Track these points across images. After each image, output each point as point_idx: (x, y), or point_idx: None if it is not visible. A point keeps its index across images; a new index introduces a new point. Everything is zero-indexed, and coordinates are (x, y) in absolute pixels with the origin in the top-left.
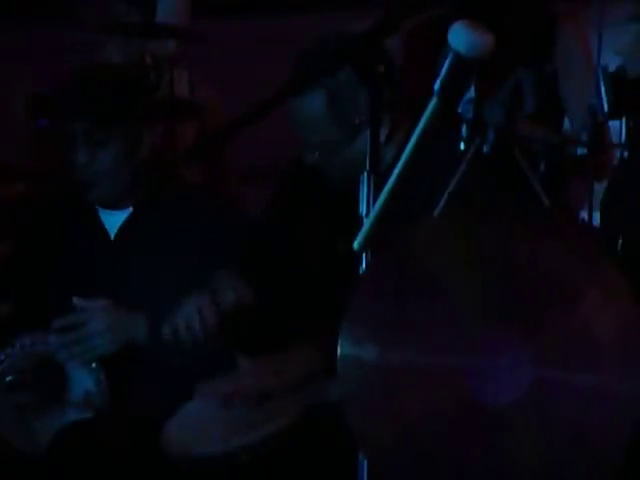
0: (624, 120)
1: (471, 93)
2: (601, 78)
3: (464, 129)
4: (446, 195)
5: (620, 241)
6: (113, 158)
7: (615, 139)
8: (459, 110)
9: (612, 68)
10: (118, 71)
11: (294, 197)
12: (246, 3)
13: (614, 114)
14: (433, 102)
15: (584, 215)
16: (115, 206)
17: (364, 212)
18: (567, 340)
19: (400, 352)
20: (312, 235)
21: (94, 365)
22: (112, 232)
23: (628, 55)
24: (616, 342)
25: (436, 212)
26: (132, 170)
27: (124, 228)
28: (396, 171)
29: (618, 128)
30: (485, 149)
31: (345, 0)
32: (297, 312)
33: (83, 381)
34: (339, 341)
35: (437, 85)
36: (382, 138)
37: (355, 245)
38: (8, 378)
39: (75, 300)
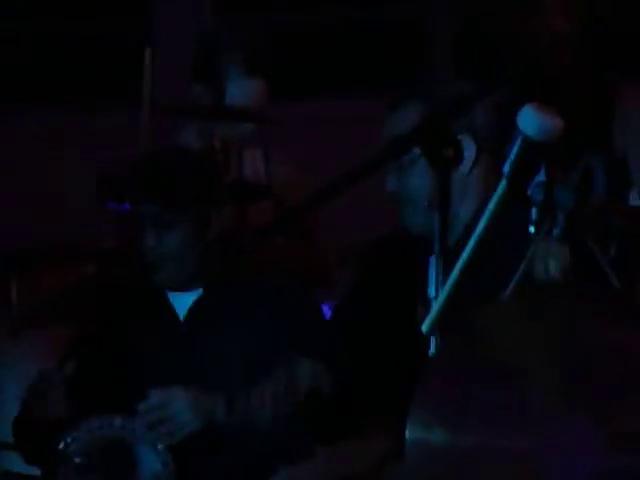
0: None
1: (541, 176)
2: None
3: (534, 212)
4: (516, 278)
5: None
6: (180, 241)
7: None
8: (528, 193)
9: None
10: (187, 155)
11: (378, 273)
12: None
13: None
14: (502, 185)
15: None
16: (183, 288)
17: (433, 294)
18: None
19: (468, 437)
20: (395, 312)
21: (161, 447)
22: (181, 314)
23: None
24: None
25: (505, 295)
26: (199, 253)
27: (193, 310)
28: (465, 253)
29: None
30: (555, 232)
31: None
32: (375, 394)
33: (151, 463)
34: (407, 425)
35: (506, 168)
36: None
37: (424, 328)
38: (77, 460)
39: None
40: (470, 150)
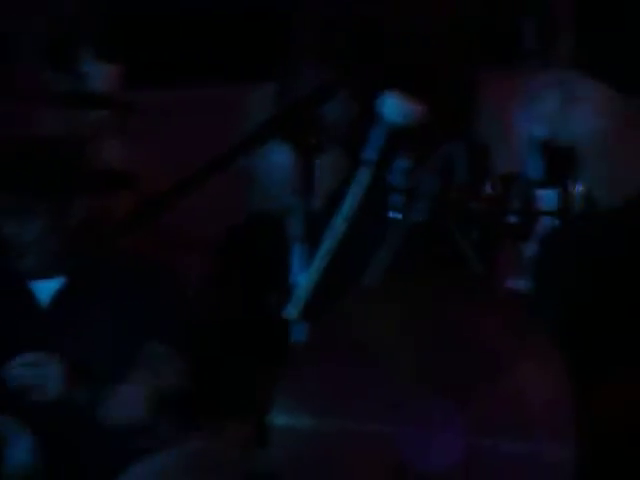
0: (556, 188)
1: (403, 162)
2: (532, 147)
3: (396, 198)
4: (378, 264)
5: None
6: (40, 229)
7: (545, 206)
8: (390, 179)
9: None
10: (44, 143)
11: (233, 259)
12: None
13: (546, 182)
14: (363, 171)
15: (513, 282)
16: (46, 276)
17: (296, 280)
18: (499, 408)
19: (333, 422)
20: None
21: (28, 435)
22: (44, 302)
23: (553, 122)
24: (547, 411)
25: (369, 281)
26: (60, 240)
27: (56, 297)
28: (328, 240)
29: (548, 196)
30: (418, 218)
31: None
32: (231, 381)
33: (19, 454)
34: (273, 411)
35: (368, 154)
36: None
37: (287, 314)
38: None
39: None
40: None
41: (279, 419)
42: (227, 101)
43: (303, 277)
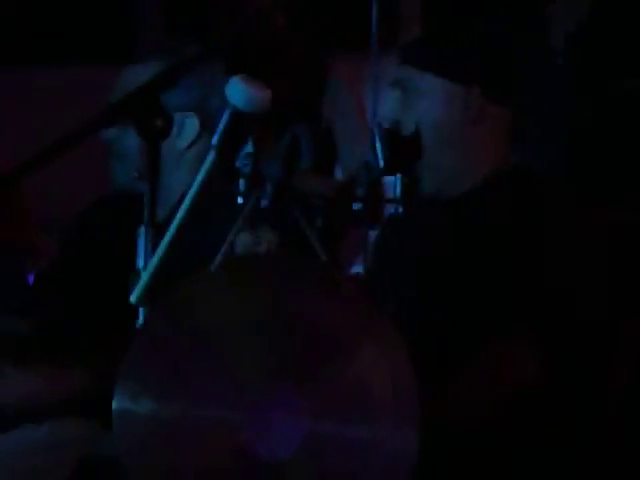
0: (399, 176)
1: (249, 147)
2: (376, 134)
3: (242, 183)
4: (223, 249)
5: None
6: None
7: (389, 194)
8: (237, 164)
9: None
10: None
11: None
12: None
13: (389, 170)
14: (210, 156)
15: (358, 268)
16: None
17: (141, 265)
18: (341, 394)
19: (175, 406)
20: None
21: None
22: None
23: (394, 117)
24: (390, 396)
25: (212, 267)
26: None
27: None
28: (174, 225)
29: (392, 183)
30: (263, 203)
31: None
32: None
33: None
34: (115, 395)
35: (215, 139)
36: None
37: (132, 299)
38: None
39: None
40: (192, 128)
41: (120, 403)
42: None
43: (148, 262)
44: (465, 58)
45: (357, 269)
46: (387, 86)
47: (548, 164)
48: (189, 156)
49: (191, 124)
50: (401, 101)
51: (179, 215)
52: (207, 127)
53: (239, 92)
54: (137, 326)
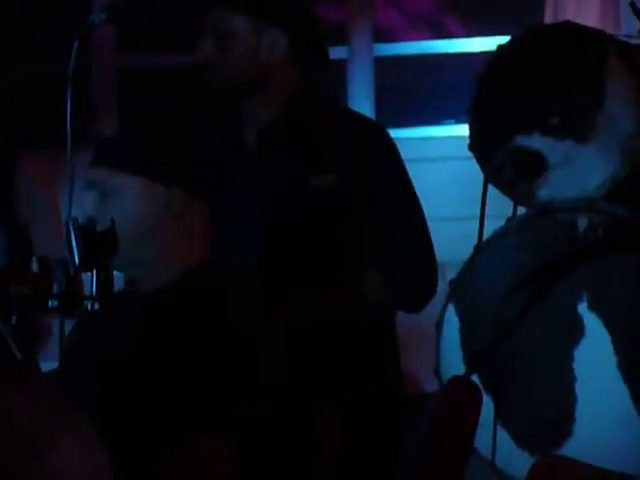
0: (94, 271)
1: None
2: (71, 231)
3: None
4: None
5: None
6: None
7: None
8: None
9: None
10: None
11: None
12: None
13: (85, 266)
14: None
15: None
16: None
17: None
18: None
19: None
20: None
21: None
22: None
23: (92, 211)
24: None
25: None
26: None
27: None
28: None
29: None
30: None
31: None
32: None
33: None
34: None
35: None
36: None
37: None
38: None
39: None
40: None
41: None
42: None
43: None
44: (162, 157)
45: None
46: (83, 184)
47: (244, 258)
48: None
49: None
50: (97, 199)
51: None
52: None
53: None
54: None
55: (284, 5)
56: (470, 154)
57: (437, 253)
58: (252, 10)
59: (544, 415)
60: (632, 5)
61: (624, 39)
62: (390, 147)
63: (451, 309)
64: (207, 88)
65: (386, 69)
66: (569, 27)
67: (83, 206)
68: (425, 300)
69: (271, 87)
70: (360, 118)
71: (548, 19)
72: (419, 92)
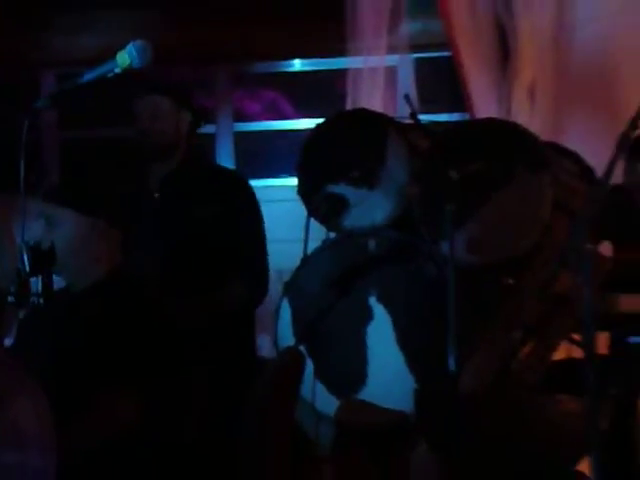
0: (39, 277)
1: None
2: (24, 251)
3: None
4: None
5: None
6: None
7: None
8: None
9: None
10: None
11: None
12: None
13: (33, 273)
14: None
15: None
16: None
17: None
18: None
19: None
20: None
21: None
22: None
23: (37, 238)
24: (36, 429)
25: None
26: None
27: None
28: None
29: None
30: None
31: None
32: None
33: None
34: None
35: None
36: None
37: None
38: None
39: None
40: None
41: None
42: None
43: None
44: (90, 198)
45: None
46: (34, 217)
47: (150, 268)
48: None
49: None
50: (43, 227)
51: None
52: None
53: None
54: None
55: (189, 94)
56: (298, 197)
57: (276, 263)
58: (173, 96)
59: (347, 372)
60: (406, 97)
61: (400, 120)
62: (249, 190)
63: (285, 301)
64: (143, 149)
65: (243, 140)
66: (363, 112)
67: (32, 232)
68: (260, 300)
69: (178, 149)
70: (228, 170)
71: (349, 106)
72: (265, 155)
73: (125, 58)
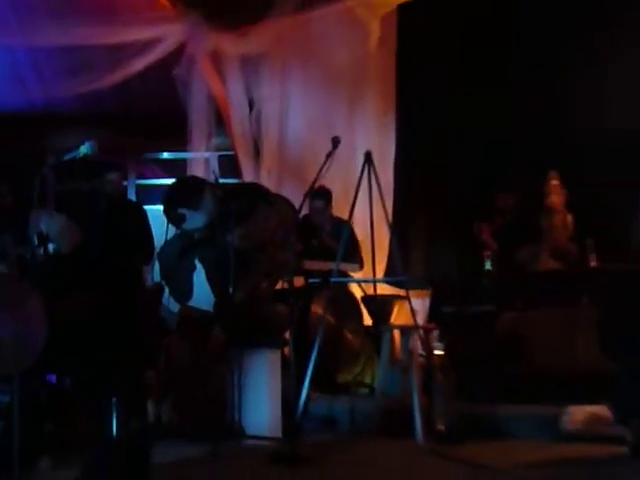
0: (42, 248)
1: None
2: (35, 234)
3: None
4: None
5: None
6: None
7: None
8: None
9: None
10: None
11: None
12: None
13: (39, 246)
14: None
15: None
16: None
17: None
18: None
19: None
20: None
21: None
22: None
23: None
24: (38, 315)
25: None
26: None
27: None
28: None
29: None
30: None
31: None
32: None
33: None
34: None
35: None
36: None
37: None
38: None
39: None
40: None
41: None
42: None
43: None
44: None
45: None
46: (42, 217)
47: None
48: None
49: None
50: (46, 220)
51: None
52: None
53: None
54: None
55: (124, 165)
56: (163, 214)
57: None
58: (119, 169)
59: (183, 292)
60: (213, 172)
61: (210, 182)
62: (143, 210)
63: (156, 260)
64: (107, 197)
65: (140, 187)
66: (194, 177)
67: (41, 223)
68: (148, 262)
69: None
70: (133, 201)
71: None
72: (149, 193)
73: (85, 149)
